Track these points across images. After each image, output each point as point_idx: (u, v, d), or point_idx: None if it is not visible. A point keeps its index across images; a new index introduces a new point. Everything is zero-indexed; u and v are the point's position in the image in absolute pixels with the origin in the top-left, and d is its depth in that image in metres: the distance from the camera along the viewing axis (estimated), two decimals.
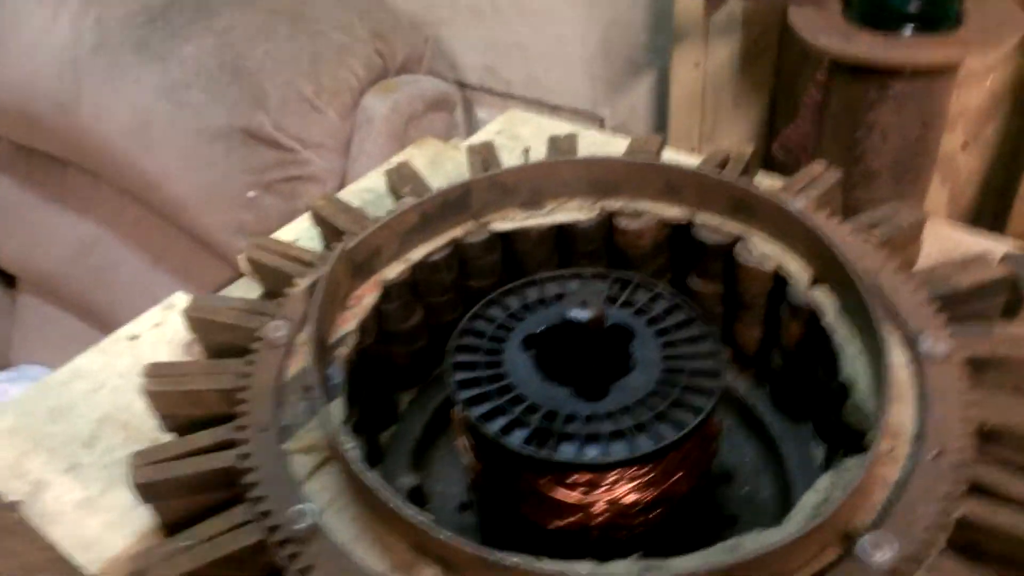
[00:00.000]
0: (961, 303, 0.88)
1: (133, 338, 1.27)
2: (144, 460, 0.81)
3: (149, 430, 1.03)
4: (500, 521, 0.94)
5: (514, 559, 0.63)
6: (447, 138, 1.67)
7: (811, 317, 0.89)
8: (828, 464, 0.92)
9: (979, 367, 0.81)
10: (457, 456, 1.08)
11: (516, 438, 0.79)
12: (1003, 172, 1.88)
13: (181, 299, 1.27)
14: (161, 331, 1.27)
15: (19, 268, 2.45)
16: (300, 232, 1.26)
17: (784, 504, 0.95)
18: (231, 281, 1.22)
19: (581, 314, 0.81)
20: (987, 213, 1.91)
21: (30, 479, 1.01)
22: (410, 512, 0.67)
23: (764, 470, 1.01)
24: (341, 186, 1.59)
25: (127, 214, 2.07)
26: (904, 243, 0.97)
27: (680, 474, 0.84)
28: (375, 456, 1.04)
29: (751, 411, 1.05)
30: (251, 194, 1.72)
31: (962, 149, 1.74)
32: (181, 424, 0.89)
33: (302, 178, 1.70)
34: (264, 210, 1.72)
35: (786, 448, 1.00)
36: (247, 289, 1.17)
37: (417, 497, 0.99)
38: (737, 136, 2.03)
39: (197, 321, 0.97)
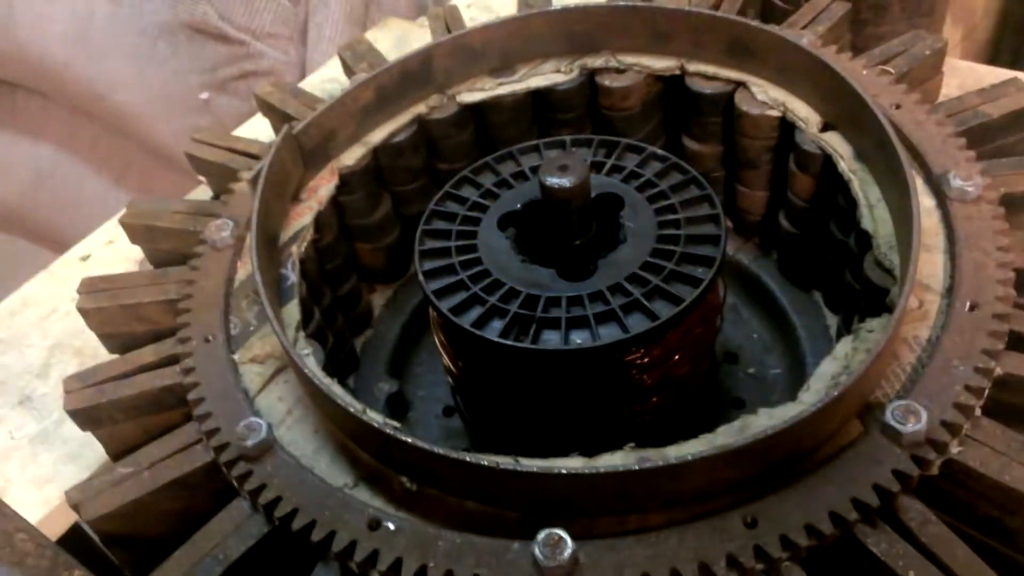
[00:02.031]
0: (992, 136, 0.77)
1: (85, 258, 1.17)
2: (80, 383, 0.72)
3: (105, 355, 0.96)
4: (487, 423, 0.86)
5: (490, 460, 0.55)
6: (414, 18, 1.53)
7: (824, 165, 0.79)
8: (846, 332, 0.83)
9: (1015, 206, 0.71)
10: (438, 357, 1.01)
11: (493, 329, 0.69)
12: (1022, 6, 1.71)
13: None
14: (115, 248, 1.17)
15: None
16: (261, 132, 1.14)
17: (797, 381, 0.87)
18: None
19: (562, 180, 0.70)
20: (1006, 51, 1.74)
21: None
22: (372, 417, 0.59)
23: (773, 347, 0.92)
24: (302, 79, 1.45)
25: (83, 133, 1.94)
26: (924, 76, 0.85)
27: (681, 355, 0.75)
28: (350, 362, 0.95)
29: (757, 283, 0.95)
30: (204, 95, 1.59)
31: None
32: (124, 344, 0.80)
33: (257, 73, 1.56)
34: (220, 112, 1.59)
35: (796, 321, 0.91)
36: (205, 196, 1.06)
37: (398, 403, 0.91)
38: None
39: (136, 228, 0.87)
